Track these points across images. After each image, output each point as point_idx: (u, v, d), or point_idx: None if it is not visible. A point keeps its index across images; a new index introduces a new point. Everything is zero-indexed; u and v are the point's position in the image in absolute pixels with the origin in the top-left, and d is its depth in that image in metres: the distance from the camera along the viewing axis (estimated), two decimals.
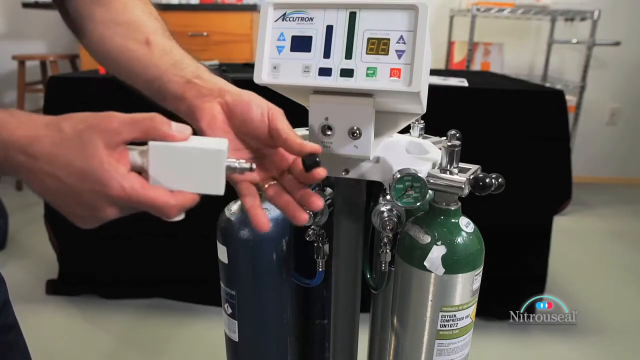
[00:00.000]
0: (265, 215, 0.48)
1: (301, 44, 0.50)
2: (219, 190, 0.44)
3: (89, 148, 0.40)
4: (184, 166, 0.43)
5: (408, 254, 0.56)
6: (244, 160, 0.46)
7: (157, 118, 0.42)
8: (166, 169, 0.43)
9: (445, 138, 0.69)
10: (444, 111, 1.07)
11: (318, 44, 0.50)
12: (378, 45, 0.48)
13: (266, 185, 0.51)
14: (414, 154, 0.60)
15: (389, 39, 0.48)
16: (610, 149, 3.29)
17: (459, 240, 0.54)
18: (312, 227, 0.64)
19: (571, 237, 2.39)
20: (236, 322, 0.65)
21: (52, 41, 3.30)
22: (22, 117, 0.41)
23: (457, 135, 0.67)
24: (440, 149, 0.57)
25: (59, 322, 1.68)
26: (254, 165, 0.46)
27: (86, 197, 0.41)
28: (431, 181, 0.52)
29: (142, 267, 1.76)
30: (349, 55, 0.49)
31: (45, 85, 2.13)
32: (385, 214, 0.58)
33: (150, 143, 0.42)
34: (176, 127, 0.43)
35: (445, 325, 0.56)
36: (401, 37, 0.47)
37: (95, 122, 0.41)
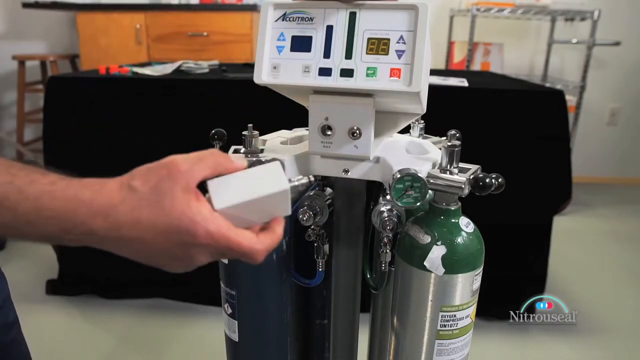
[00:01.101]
0: None
1: (301, 44, 0.50)
2: (287, 212, 0.46)
3: (167, 201, 0.39)
4: (252, 211, 0.44)
5: (408, 254, 0.56)
6: (300, 177, 0.51)
7: (217, 153, 0.43)
8: (236, 218, 0.43)
9: (445, 138, 0.69)
10: (444, 111, 1.07)
11: (318, 44, 0.50)
12: (378, 45, 0.48)
13: None
14: (414, 154, 0.60)
15: (389, 39, 0.48)
16: (610, 149, 3.29)
17: (459, 240, 0.54)
18: (312, 227, 0.64)
19: (571, 237, 2.38)
20: (236, 322, 0.65)
21: (52, 41, 3.30)
22: (94, 185, 0.40)
23: (457, 135, 0.67)
24: (440, 149, 0.57)
25: (59, 322, 1.67)
26: (311, 177, 0.51)
27: (176, 252, 0.41)
28: (431, 181, 0.52)
29: (142, 267, 1.75)
30: (349, 55, 0.49)
31: (45, 85, 2.13)
32: (385, 214, 0.58)
33: (215, 204, 0.42)
34: (234, 158, 0.44)
35: (445, 325, 0.56)
36: (401, 37, 0.47)
37: (164, 172, 0.40)
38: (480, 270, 0.56)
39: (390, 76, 0.48)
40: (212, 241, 0.40)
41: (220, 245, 0.41)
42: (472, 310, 0.57)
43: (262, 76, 0.52)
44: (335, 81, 0.49)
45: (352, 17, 0.49)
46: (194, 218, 0.39)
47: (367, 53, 0.48)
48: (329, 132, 0.53)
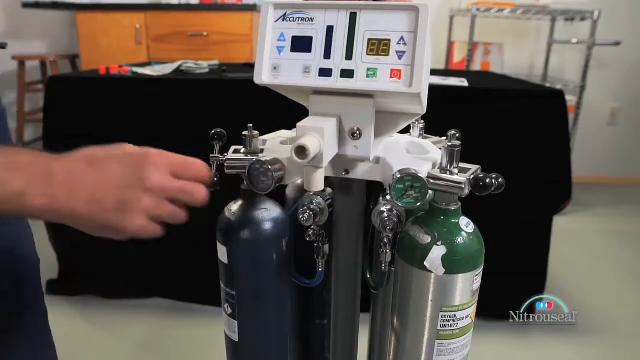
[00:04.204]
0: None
1: (301, 44, 0.50)
2: None
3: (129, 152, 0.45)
4: None
5: (408, 254, 0.56)
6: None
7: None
8: None
9: (445, 138, 0.69)
10: (444, 111, 1.07)
11: (318, 45, 0.50)
12: (378, 46, 0.48)
13: None
14: (414, 154, 0.60)
15: (389, 40, 0.48)
16: (610, 149, 3.29)
17: (459, 240, 0.54)
18: (312, 227, 0.64)
19: (571, 237, 2.38)
20: (236, 322, 0.65)
21: (52, 41, 3.30)
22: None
23: (457, 135, 0.67)
24: (440, 149, 0.57)
25: (58, 322, 1.67)
26: None
27: (127, 176, 0.43)
28: (431, 181, 0.52)
29: (142, 267, 1.75)
30: (349, 56, 0.49)
31: (45, 85, 2.13)
32: (385, 214, 0.58)
33: None
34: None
35: (445, 326, 0.56)
36: (402, 38, 0.47)
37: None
38: (480, 270, 0.56)
39: (391, 77, 0.48)
40: (163, 158, 0.44)
41: (173, 160, 0.45)
42: (472, 310, 0.57)
43: (262, 77, 0.52)
44: (335, 82, 0.49)
45: (353, 17, 0.49)
46: (145, 150, 0.45)
47: (367, 54, 0.48)
48: None
